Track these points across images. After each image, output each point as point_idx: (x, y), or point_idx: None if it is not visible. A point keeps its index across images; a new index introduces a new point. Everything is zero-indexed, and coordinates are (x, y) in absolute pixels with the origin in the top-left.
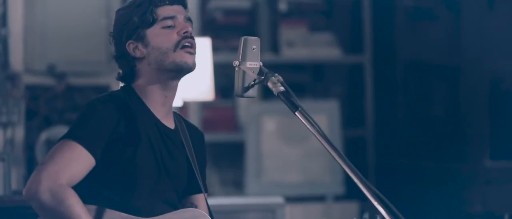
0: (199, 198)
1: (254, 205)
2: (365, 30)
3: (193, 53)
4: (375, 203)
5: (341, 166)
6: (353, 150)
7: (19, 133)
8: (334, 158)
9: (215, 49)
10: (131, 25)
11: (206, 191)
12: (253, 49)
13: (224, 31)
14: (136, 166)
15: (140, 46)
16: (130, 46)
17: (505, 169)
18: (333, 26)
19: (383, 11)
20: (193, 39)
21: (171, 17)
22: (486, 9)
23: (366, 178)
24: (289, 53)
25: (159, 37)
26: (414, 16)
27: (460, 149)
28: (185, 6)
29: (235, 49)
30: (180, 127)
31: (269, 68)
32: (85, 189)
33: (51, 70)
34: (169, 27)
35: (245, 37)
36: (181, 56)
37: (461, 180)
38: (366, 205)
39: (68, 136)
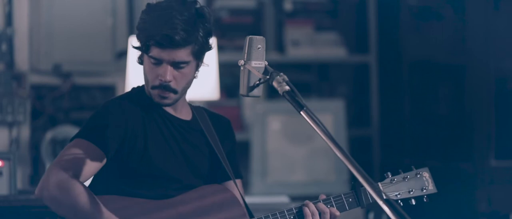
0: (232, 184)
1: (259, 205)
2: (371, 30)
3: (166, 97)
4: (380, 203)
5: (347, 166)
6: (358, 150)
7: (25, 132)
8: (340, 158)
9: (221, 48)
10: (139, 38)
11: (238, 176)
12: (259, 48)
13: (230, 30)
14: (150, 158)
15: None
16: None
17: (510, 169)
18: (338, 26)
19: (389, 10)
20: (168, 89)
21: (157, 61)
22: (491, 8)
23: (372, 177)
24: (295, 53)
25: (146, 66)
26: (420, 15)
27: (466, 148)
28: (182, 46)
29: (240, 48)
30: (200, 118)
31: (275, 67)
32: (110, 185)
33: (56, 70)
34: (155, 63)
35: (250, 36)
36: (154, 95)
37: (467, 179)
38: (371, 205)
39: (77, 136)
